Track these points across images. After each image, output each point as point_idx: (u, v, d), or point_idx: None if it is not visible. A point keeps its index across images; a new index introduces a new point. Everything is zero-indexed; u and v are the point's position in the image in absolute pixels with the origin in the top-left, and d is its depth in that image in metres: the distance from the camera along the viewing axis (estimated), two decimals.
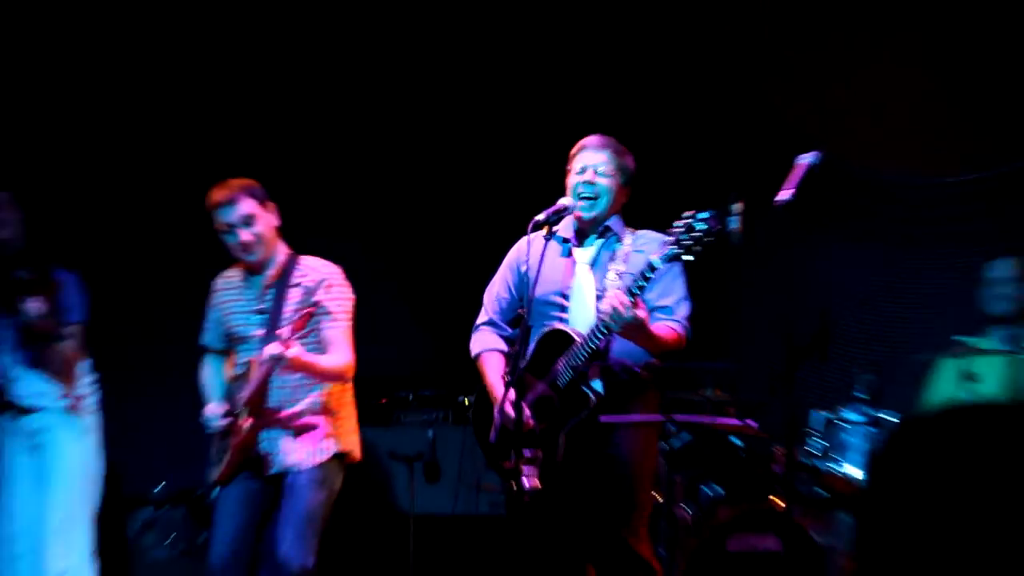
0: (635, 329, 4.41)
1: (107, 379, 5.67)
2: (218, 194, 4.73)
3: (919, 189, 6.99)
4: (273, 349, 4.45)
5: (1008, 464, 1.91)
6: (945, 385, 5.58)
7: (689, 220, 4.28)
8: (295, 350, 4.48)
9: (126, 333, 7.16)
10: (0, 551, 5.42)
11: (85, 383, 5.47)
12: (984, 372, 5.45)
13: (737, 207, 4.54)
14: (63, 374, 5.37)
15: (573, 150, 4.87)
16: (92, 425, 5.50)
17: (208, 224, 5.03)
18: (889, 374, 5.89)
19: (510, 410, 4.58)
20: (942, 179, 6.98)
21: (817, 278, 6.64)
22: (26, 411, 5.41)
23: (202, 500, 6.44)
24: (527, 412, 4.60)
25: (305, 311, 4.44)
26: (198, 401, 5.06)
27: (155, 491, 6.63)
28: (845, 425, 5.53)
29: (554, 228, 4.71)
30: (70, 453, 5.39)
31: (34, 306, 5.15)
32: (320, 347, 4.73)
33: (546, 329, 4.73)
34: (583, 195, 4.74)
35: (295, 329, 4.40)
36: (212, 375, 5.00)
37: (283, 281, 4.76)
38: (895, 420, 5.39)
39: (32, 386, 5.40)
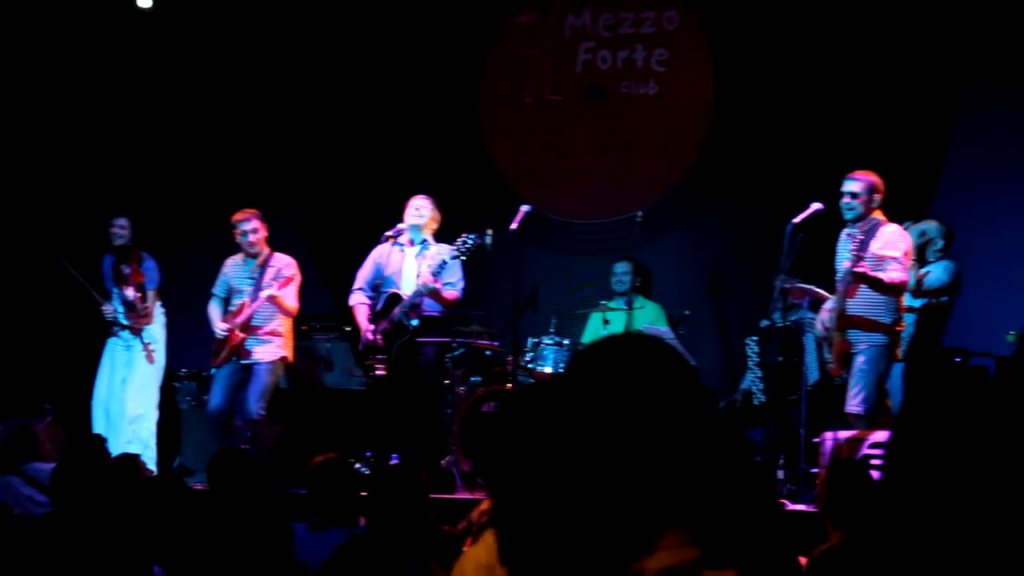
0: (435, 293, 8.20)
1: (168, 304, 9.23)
2: (240, 215, 8.81)
3: (579, 224, 10.46)
4: (263, 294, 8.58)
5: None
6: (594, 327, 9.44)
7: (464, 238, 8.24)
8: (272, 291, 8.57)
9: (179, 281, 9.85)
10: (104, 409, 9.14)
11: (158, 314, 9.17)
12: (612, 320, 9.22)
13: (489, 232, 8.37)
14: (145, 316, 9.15)
15: (408, 202, 8.49)
16: (161, 335, 9.20)
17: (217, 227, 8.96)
18: (569, 321, 9.55)
19: (369, 335, 8.32)
20: (592, 220, 10.43)
21: (531, 271, 9.44)
22: (124, 327, 9.16)
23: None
24: (379, 336, 8.37)
25: (283, 279, 8.62)
26: (206, 320, 8.91)
27: (174, 465, 9.25)
28: (545, 344, 8.87)
29: (396, 239, 8.54)
30: (143, 353, 9.15)
31: (129, 293, 9.05)
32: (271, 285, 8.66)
33: (389, 292, 8.42)
34: (413, 224, 8.52)
35: (280, 287, 8.55)
36: (215, 309, 8.92)
37: (265, 264, 8.84)
38: (568, 343, 8.96)
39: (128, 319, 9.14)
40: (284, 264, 8.87)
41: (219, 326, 8.78)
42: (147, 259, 9.22)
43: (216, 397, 8.73)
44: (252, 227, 8.78)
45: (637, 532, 1.72)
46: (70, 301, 9.59)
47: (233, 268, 8.97)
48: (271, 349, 8.76)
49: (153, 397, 9.18)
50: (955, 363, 8.38)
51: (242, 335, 8.69)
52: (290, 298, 8.77)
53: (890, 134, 9.38)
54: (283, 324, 8.84)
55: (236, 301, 8.87)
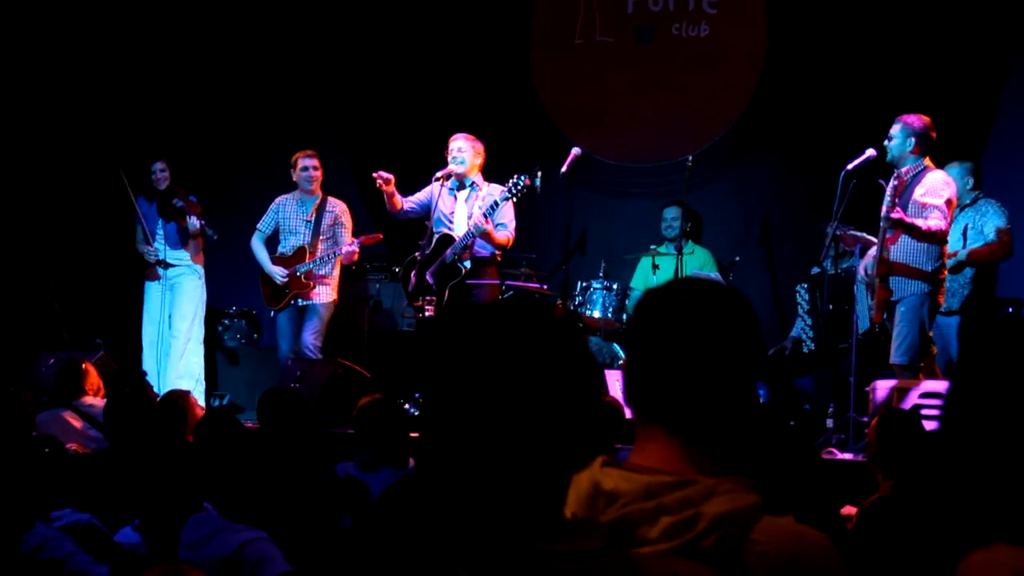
0: (486, 234, 8.18)
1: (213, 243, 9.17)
2: (303, 153, 8.85)
3: (628, 168, 10.38)
4: (342, 250, 8.64)
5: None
6: (643, 271, 9.44)
7: (516, 179, 8.23)
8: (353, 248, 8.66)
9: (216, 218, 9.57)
10: (153, 347, 9.21)
11: (199, 249, 9.21)
12: (662, 265, 9.25)
13: (539, 173, 8.40)
14: (195, 253, 9.21)
15: (448, 144, 8.42)
16: (202, 275, 9.24)
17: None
18: (618, 265, 9.67)
19: (422, 276, 8.44)
20: (642, 163, 10.34)
21: (580, 215, 9.42)
22: (170, 266, 9.19)
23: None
24: (429, 277, 8.41)
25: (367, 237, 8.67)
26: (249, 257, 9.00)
27: (224, 403, 9.37)
28: (594, 287, 9.13)
29: (446, 180, 8.49)
30: (193, 287, 9.20)
31: (194, 221, 8.98)
32: (337, 241, 8.81)
33: (441, 232, 8.41)
34: (455, 169, 8.43)
35: (362, 242, 8.63)
36: (260, 248, 8.92)
37: (322, 208, 8.89)
38: (617, 287, 9.10)
39: (174, 255, 9.16)
40: (341, 210, 8.97)
41: (276, 270, 8.81)
42: (190, 196, 9.22)
43: (285, 343, 8.91)
44: (315, 164, 8.88)
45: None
46: (123, 234, 9.62)
47: (287, 207, 9.00)
48: (327, 291, 8.89)
49: (199, 331, 9.25)
50: (1009, 313, 8.29)
51: (310, 283, 8.79)
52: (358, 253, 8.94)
53: (945, 80, 9.26)
54: (336, 268, 8.96)
55: (288, 242, 8.90)
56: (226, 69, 10.96)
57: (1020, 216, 8.37)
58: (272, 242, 9.05)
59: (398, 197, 8.51)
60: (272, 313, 8.98)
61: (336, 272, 8.92)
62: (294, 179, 8.96)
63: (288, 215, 8.98)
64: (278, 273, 8.84)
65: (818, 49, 9.74)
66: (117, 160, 9.32)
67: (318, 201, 8.93)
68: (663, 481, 1.80)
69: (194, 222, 9.00)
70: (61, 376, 6.84)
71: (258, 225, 9.02)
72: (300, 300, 8.83)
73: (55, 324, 9.64)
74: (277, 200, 9.05)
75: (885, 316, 7.34)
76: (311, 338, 8.78)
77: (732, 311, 1.90)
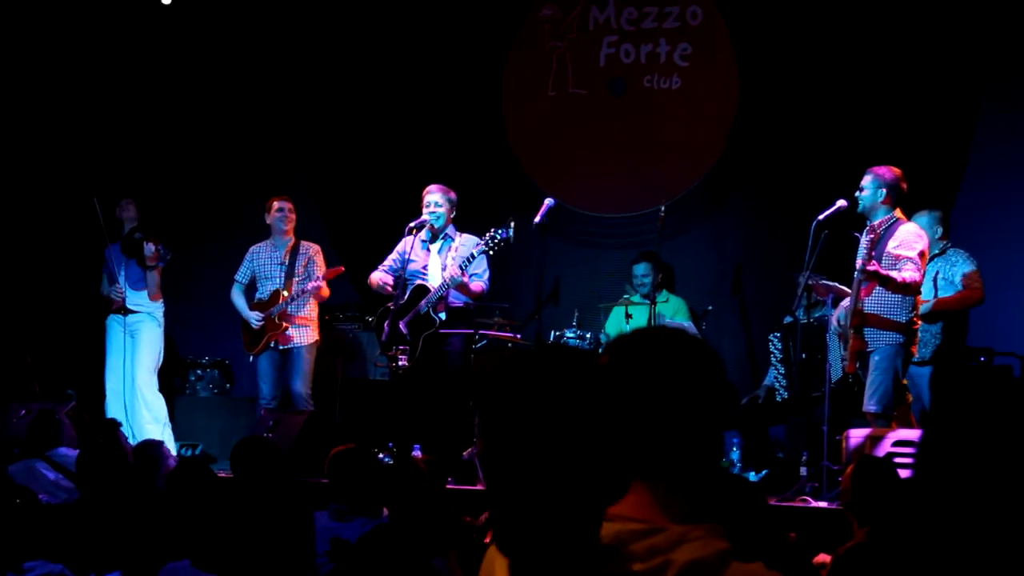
0: (462, 285, 8.22)
1: (176, 291, 9.34)
2: (278, 200, 8.94)
3: (601, 218, 10.37)
4: (308, 286, 8.64)
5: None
6: (616, 320, 9.43)
7: (492, 233, 8.30)
8: (320, 284, 8.69)
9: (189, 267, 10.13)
10: (115, 387, 9.25)
11: (160, 301, 9.24)
12: (635, 314, 9.22)
13: (512, 224, 8.33)
14: (153, 294, 9.30)
15: (423, 196, 8.48)
16: (160, 319, 9.25)
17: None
18: (591, 314, 9.65)
19: (396, 325, 8.38)
20: (615, 214, 10.34)
21: (553, 265, 9.60)
22: (131, 312, 9.27)
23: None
24: (403, 327, 8.40)
25: (326, 271, 8.69)
26: (226, 305, 9.04)
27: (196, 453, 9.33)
28: (567, 337, 8.97)
29: (419, 231, 8.51)
30: (154, 335, 9.30)
31: (150, 246, 9.02)
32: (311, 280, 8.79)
33: (415, 283, 8.42)
34: (431, 220, 8.46)
35: (324, 279, 8.65)
36: (239, 296, 8.99)
37: (295, 251, 8.93)
38: (590, 336, 9.33)
39: (134, 299, 9.23)
40: (315, 251, 9.06)
41: (252, 315, 8.90)
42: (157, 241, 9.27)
43: (267, 387, 8.94)
44: (289, 208, 9.00)
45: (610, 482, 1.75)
46: (92, 283, 9.63)
47: (260, 255, 9.09)
48: (308, 333, 8.96)
49: (155, 379, 9.28)
50: (980, 363, 8.34)
51: (283, 324, 8.82)
52: (326, 286, 8.99)
53: (915, 130, 9.34)
54: (314, 309, 9.05)
55: (265, 288, 8.99)
56: (197, 116, 11.03)
57: (990, 262, 8.44)
58: (252, 291, 9.12)
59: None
60: (251, 358, 8.99)
61: (315, 314, 8.98)
62: (268, 222, 9.05)
63: (263, 262, 9.06)
64: (254, 317, 8.93)
65: (789, 100, 9.83)
66: (92, 191, 9.38)
67: (291, 244, 9.03)
68: (632, 529, 1.80)
69: (150, 247, 9.06)
70: (34, 426, 6.79)
71: (235, 276, 9.11)
72: (281, 344, 8.87)
73: (27, 377, 9.60)
74: (251, 249, 9.12)
75: (859, 366, 7.37)
76: (300, 387, 8.83)
77: (698, 359, 1.92)
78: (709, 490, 1.92)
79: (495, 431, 1.73)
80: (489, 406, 1.75)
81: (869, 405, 7.25)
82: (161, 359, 9.31)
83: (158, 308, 9.33)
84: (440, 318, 8.33)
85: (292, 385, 8.84)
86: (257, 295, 9.03)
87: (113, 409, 9.18)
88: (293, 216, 9.04)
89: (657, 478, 1.88)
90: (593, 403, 1.71)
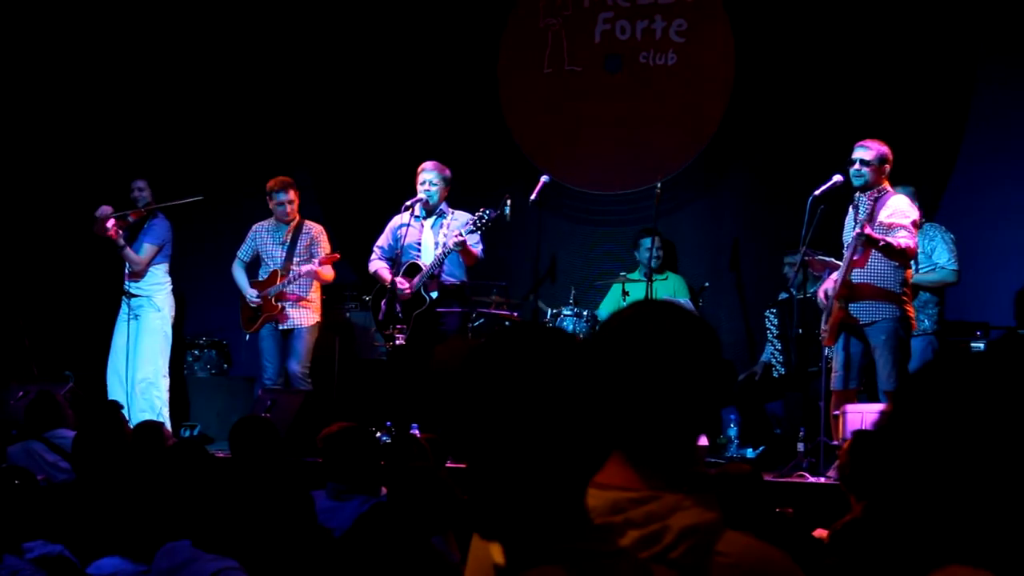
0: (465, 251, 8.27)
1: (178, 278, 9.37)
2: (277, 183, 8.90)
3: (597, 195, 10.33)
4: (305, 268, 8.63)
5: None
6: (613, 298, 9.44)
7: (481, 212, 8.27)
8: (314, 267, 8.67)
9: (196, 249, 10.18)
10: (117, 370, 9.29)
11: (164, 281, 9.25)
12: (632, 291, 9.21)
13: (508, 201, 8.52)
14: (139, 273, 9.21)
15: (417, 174, 8.53)
16: (166, 302, 9.29)
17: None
18: (588, 292, 9.69)
19: (404, 288, 8.32)
20: (611, 191, 10.31)
21: (549, 242, 9.55)
22: (132, 296, 9.30)
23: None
24: (397, 305, 8.49)
25: (327, 256, 8.69)
26: (228, 281, 9.03)
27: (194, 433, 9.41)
28: (564, 314, 8.96)
29: (415, 208, 8.58)
30: (152, 319, 9.30)
31: (110, 224, 8.93)
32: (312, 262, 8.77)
33: (408, 261, 8.49)
34: (425, 198, 8.53)
35: (323, 262, 8.64)
36: (240, 272, 9.00)
37: (297, 232, 8.94)
38: (587, 314, 9.10)
39: (136, 283, 9.21)
40: (317, 232, 9.03)
41: (251, 292, 8.91)
42: (158, 216, 9.28)
43: (272, 367, 8.95)
44: (289, 197, 8.95)
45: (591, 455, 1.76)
46: (91, 266, 9.65)
47: (262, 234, 9.11)
48: (308, 314, 8.98)
49: (161, 364, 9.23)
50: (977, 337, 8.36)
51: (279, 304, 8.83)
52: (328, 269, 8.96)
53: (911, 106, 9.30)
54: (316, 291, 9.06)
55: (266, 267, 9.00)
56: (207, 97, 11.02)
57: (985, 237, 8.43)
58: (255, 269, 9.14)
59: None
60: (247, 336, 9.00)
61: (316, 295, 9.00)
62: (270, 207, 9.01)
63: (264, 241, 9.09)
64: (251, 294, 8.92)
65: (785, 75, 9.79)
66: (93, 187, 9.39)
67: (294, 224, 9.04)
68: (628, 497, 1.84)
69: (110, 224, 8.98)
70: (32, 408, 6.79)
71: (237, 253, 9.13)
72: (281, 324, 8.89)
73: (25, 359, 9.63)
74: (253, 228, 9.14)
75: (843, 342, 7.35)
76: (297, 367, 8.84)
77: (694, 334, 1.92)
78: (694, 463, 1.94)
79: (469, 411, 1.73)
80: (463, 386, 1.74)
81: (887, 384, 7.20)
82: (165, 343, 9.25)
83: (158, 292, 9.26)
84: (431, 297, 8.33)
85: (289, 364, 8.85)
86: (260, 274, 9.07)
87: (114, 391, 9.18)
88: (293, 204, 9.01)
89: (644, 450, 1.90)
90: (566, 378, 1.70)
